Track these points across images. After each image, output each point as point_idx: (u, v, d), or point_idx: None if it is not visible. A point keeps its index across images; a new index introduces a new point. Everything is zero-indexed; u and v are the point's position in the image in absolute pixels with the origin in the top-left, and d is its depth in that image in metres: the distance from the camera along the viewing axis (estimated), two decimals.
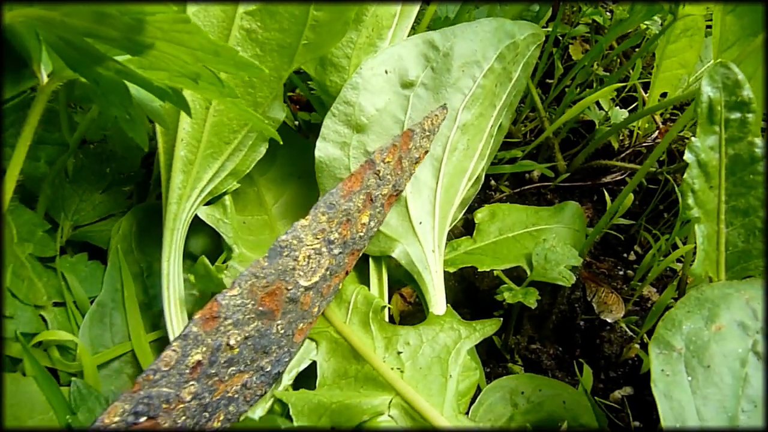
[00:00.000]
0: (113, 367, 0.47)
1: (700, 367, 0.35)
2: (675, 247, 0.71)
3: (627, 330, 0.66)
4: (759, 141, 0.48)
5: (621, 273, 0.74)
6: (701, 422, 0.33)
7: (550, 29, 1.03)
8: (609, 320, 0.66)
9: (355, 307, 0.49)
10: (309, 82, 0.65)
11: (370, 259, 0.54)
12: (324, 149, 0.51)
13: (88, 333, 0.46)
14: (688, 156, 0.48)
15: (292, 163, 0.59)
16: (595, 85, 0.96)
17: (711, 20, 0.66)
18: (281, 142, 0.47)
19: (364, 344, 0.47)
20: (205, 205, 0.52)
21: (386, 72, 0.51)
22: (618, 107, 0.92)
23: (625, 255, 0.78)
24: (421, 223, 0.53)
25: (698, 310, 0.39)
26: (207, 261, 0.43)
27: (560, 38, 1.01)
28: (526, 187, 0.83)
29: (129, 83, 0.38)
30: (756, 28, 0.55)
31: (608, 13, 1.06)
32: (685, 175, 0.47)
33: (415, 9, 0.55)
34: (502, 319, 0.48)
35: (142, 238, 0.54)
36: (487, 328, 0.46)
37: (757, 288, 0.40)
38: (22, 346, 0.42)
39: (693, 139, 0.49)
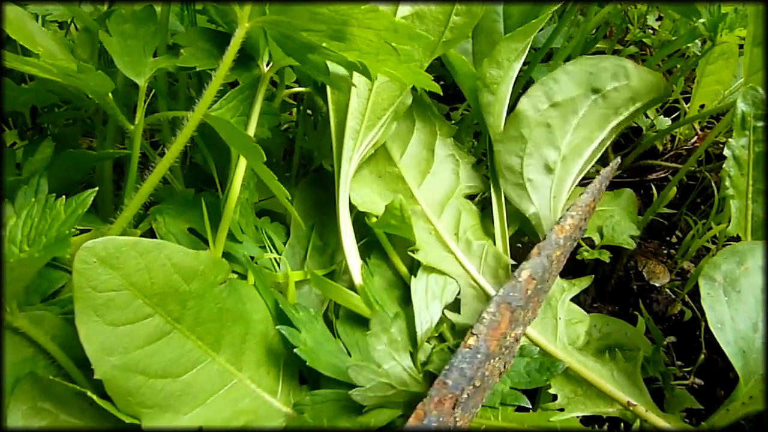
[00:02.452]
0: (304, 289, 0.68)
1: (733, 292, 0.56)
2: (709, 230, 0.92)
3: (670, 293, 0.86)
4: None
5: (665, 251, 0.95)
6: (734, 325, 0.54)
7: (604, 45, 1.24)
8: (657, 285, 0.86)
9: (485, 261, 0.69)
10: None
11: (497, 215, 0.73)
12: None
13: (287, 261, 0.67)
14: (726, 151, 0.69)
15: (411, 119, 0.77)
16: None
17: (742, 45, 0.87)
18: (440, 92, 0.65)
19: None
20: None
21: None
22: (662, 116, 1.12)
23: (668, 238, 0.98)
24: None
25: (732, 257, 0.60)
26: (405, 206, 0.61)
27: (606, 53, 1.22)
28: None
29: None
30: None
31: (652, 33, 1.26)
32: (724, 165, 0.68)
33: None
34: (593, 276, 0.68)
35: (311, 202, 0.76)
36: (583, 282, 0.67)
37: None
38: (248, 263, 0.62)
39: (730, 140, 0.69)
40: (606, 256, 0.72)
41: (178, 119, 0.64)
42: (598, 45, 1.26)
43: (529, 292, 0.58)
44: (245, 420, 0.54)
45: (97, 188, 0.47)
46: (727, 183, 0.66)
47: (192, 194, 0.66)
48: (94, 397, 0.48)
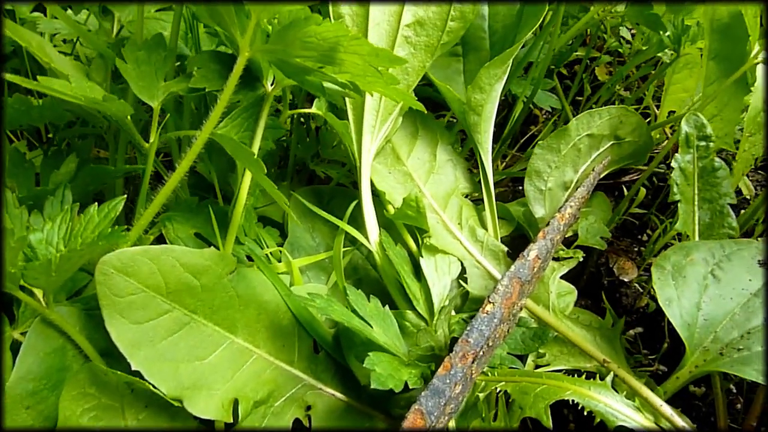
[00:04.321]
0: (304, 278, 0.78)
1: (679, 278, 0.67)
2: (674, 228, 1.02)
3: (639, 287, 0.97)
4: (718, 159, 0.80)
5: (636, 249, 1.05)
6: (679, 303, 0.64)
7: (582, 52, 1.35)
8: (626, 280, 0.97)
9: (486, 246, 0.80)
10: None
11: (489, 213, 0.85)
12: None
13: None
14: (674, 164, 0.80)
15: (414, 126, 0.90)
16: (616, 103, 1.27)
17: None
18: (425, 112, 0.76)
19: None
20: None
21: None
22: None
23: (639, 236, 1.09)
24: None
25: (680, 251, 0.70)
26: (421, 200, 0.73)
27: (588, 63, 1.33)
28: None
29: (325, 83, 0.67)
30: (729, 71, 0.87)
31: (627, 45, 1.38)
32: (672, 174, 0.79)
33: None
34: (582, 256, 0.80)
35: (304, 210, 0.85)
36: (570, 261, 0.79)
37: (715, 244, 0.71)
38: (253, 254, 0.72)
39: (677, 155, 0.80)
40: (579, 255, 0.82)
41: (186, 136, 0.74)
42: (575, 53, 1.38)
43: (535, 269, 0.72)
44: (269, 389, 0.64)
45: (125, 195, 0.56)
46: (675, 190, 0.78)
47: (196, 202, 0.75)
48: (147, 383, 0.57)
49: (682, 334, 0.64)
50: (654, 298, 0.95)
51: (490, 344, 0.67)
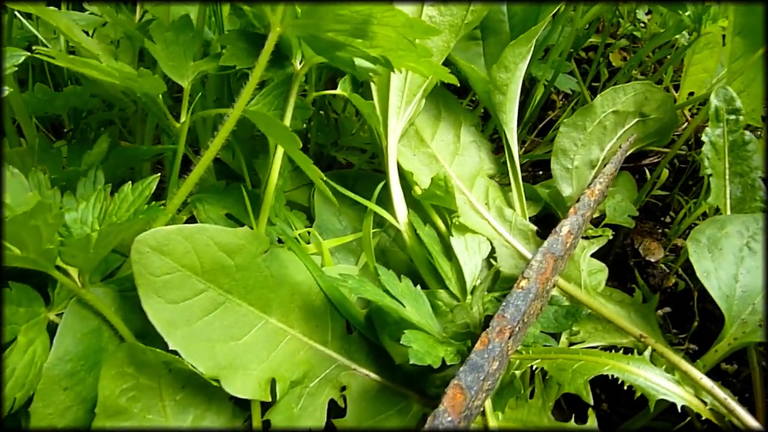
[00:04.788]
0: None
1: (715, 250, 0.66)
2: (699, 207, 1.02)
3: (665, 267, 0.96)
4: (747, 132, 0.79)
5: (659, 230, 1.05)
6: (717, 275, 0.64)
7: (597, 39, 1.35)
8: (652, 260, 0.96)
9: (515, 226, 0.80)
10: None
11: (516, 193, 0.85)
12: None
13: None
14: (704, 138, 0.79)
15: (437, 108, 0.90)
16: None
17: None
18: (448, 94, 0.76)
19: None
20: None
21: None
22: None
23: (662, 218, 1.08)
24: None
25: (714, 224, 0.70)
26: (449, 179, 0.72)
27: (604, 49, 1.33)
28: None
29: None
30: (755, 46, 0.86)
31: (642, 27, 1.38)
32: (703, 149, 0.79)
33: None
34: (611, 235, 0.80)
35: (335, 195, 0.85)
36: (600, 240, 0.78)
37: (748, 218, 0.71)
38: (284, 234, 0.72)
39: (707, 128, 0.80)
40: (609, 233, 0.82)
41: (213, 117, 0.74)
42: (590, 39, 1.37)
43: (568, 244, 0.71)
44: (303, 369, 0.64)
45: (159, 174, 0.56)
46: (706, 164, 0.77)
47: (224, 185, 0.75)
48: (185, 363, 0.57)
49: (721, 305, 0.64)
50: (681, 277, 0.95)
51: (525, 320, 0.66)
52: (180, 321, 0.59)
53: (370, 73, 0.74)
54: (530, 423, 0.65)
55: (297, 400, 0.64)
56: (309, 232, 0.76)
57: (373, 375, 0.69)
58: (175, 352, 0.58)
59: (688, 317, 0.91)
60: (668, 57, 1.29)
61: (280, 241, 0.73)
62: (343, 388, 0.67)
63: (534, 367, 0.67)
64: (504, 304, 0.65)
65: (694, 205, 1.01)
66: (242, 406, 0.64)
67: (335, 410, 0.67)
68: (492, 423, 0.65)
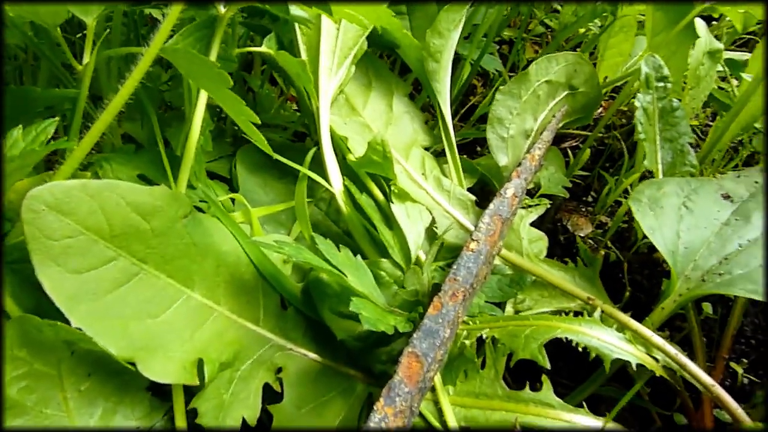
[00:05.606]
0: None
1: (657, 207, 0.67)
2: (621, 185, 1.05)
3: (593, 242, 0.97)
4: (675, 100, 0.82)
5: (583, 209, 1.07)
6: (661, 231, 0.64)
7: (512, 33, 1.37)
8: (581, 235, 0.97)
9: (454, 195, 0.77)
10: None
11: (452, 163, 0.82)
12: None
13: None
14: (636, 103, 0.81)
15: (367, 77, 0.85)
16: None
17: (642, 18, 1.01)
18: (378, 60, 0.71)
19: None
20: None
21: None
22: None
23: (584, 198, 1.10)
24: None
25: (652, 186, 0.71)
26: (386, 143, 0.67)
27: (514, 40, 1.35)
28: None
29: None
30: (676, 19, 0.89)
31: (555, 19, 1.42)
32: (636, 113, 0.80)
33: None
34: (549, 204, 0.79)
35: (253, 165, 0.78)
36: (538, 209, 0.76)
37: (681, 180, 0.72)
38: (209, 198, 0.64)
39: (639, 94, 0.81)
40: (546, 203, 0.81)
41: (125, 59, 0.64)
42: (505, 33, 1.40)
43: (513, 206, 0.69)
44: (233, 350, 0.56)
45: (58, 118, 0.47)
46: (640, 129, 0.78)
47: (133, 149, 0.66)
48: (92, 342, 0.47)
49: (668, 260, 0.64)
50: (611, 249, 0.96)
51: (475, 286, 0.63)
52: (85, 294, 0.50)
53: (302, 25, 0.69)
54: (483, 395, 0.61)
55: (227, 386, 0.56)
56: (233, 200, 0.68)
57: (312, 354, 0.62)
58: (79, 332, 0.48)
59: (618, 288, 0.92)
60: (582, 43, 1.33)
61: (201, 210, 0.65)
62: (279, 370, 0.60)
63: (484, 336, 0.63)
64: (455, 267, 0.61)
65: (616, 182, 1.04)
66: (161, 397, 0.56)
67: (270, 395, 0.59)
68: (443, 398, 0.61)
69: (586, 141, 1.09)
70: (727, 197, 0.71)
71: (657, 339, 0.61)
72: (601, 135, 1.19)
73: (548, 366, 0.59)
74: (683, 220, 0.67)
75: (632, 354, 0.60)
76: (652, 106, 0.82)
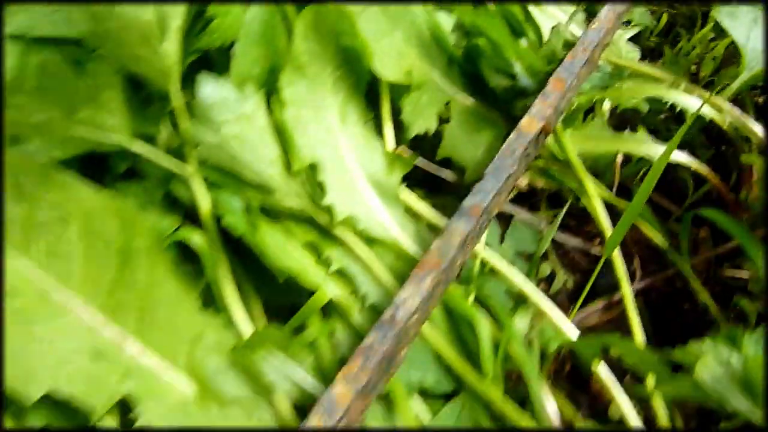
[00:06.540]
0: None
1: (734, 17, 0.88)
2: None
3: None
4: None
5: None
6: (739, 31, 0.86)
7: None
8: None
9: None
10: None
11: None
12: None
13: None
14: None
15: None
16: None
17: None
18: None
19: None
20: None
21: None
22: None
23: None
24: None
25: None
26: None
27: None
28: None
29: None
30: None
31: None
32: None
33: None
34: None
35: None
36: (636, 27, 0.98)
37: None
38: None
39: None
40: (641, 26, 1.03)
41: None
42: None
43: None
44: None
45: None
46: None
47: None
48: None
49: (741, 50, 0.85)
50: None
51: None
52: None
53: None
54: (593, 136, 0.85)
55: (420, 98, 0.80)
56: None
57: (470, 99, 0.85)
58: None
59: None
60: None
61: None
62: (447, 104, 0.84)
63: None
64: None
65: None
66: None
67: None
68: (564, 138, 0.84)
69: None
70: None
71: (726, 104, 0.84)
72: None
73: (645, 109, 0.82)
74: (755, 27, 0.88)
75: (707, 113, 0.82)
76: None
